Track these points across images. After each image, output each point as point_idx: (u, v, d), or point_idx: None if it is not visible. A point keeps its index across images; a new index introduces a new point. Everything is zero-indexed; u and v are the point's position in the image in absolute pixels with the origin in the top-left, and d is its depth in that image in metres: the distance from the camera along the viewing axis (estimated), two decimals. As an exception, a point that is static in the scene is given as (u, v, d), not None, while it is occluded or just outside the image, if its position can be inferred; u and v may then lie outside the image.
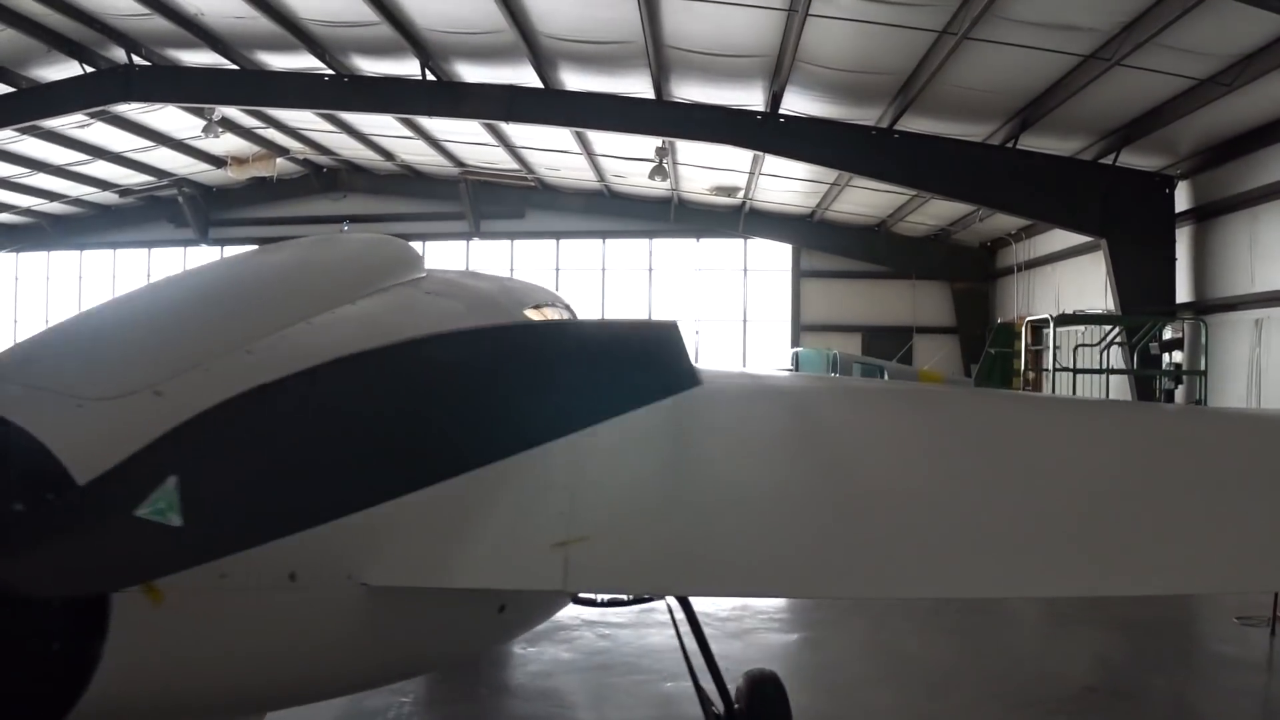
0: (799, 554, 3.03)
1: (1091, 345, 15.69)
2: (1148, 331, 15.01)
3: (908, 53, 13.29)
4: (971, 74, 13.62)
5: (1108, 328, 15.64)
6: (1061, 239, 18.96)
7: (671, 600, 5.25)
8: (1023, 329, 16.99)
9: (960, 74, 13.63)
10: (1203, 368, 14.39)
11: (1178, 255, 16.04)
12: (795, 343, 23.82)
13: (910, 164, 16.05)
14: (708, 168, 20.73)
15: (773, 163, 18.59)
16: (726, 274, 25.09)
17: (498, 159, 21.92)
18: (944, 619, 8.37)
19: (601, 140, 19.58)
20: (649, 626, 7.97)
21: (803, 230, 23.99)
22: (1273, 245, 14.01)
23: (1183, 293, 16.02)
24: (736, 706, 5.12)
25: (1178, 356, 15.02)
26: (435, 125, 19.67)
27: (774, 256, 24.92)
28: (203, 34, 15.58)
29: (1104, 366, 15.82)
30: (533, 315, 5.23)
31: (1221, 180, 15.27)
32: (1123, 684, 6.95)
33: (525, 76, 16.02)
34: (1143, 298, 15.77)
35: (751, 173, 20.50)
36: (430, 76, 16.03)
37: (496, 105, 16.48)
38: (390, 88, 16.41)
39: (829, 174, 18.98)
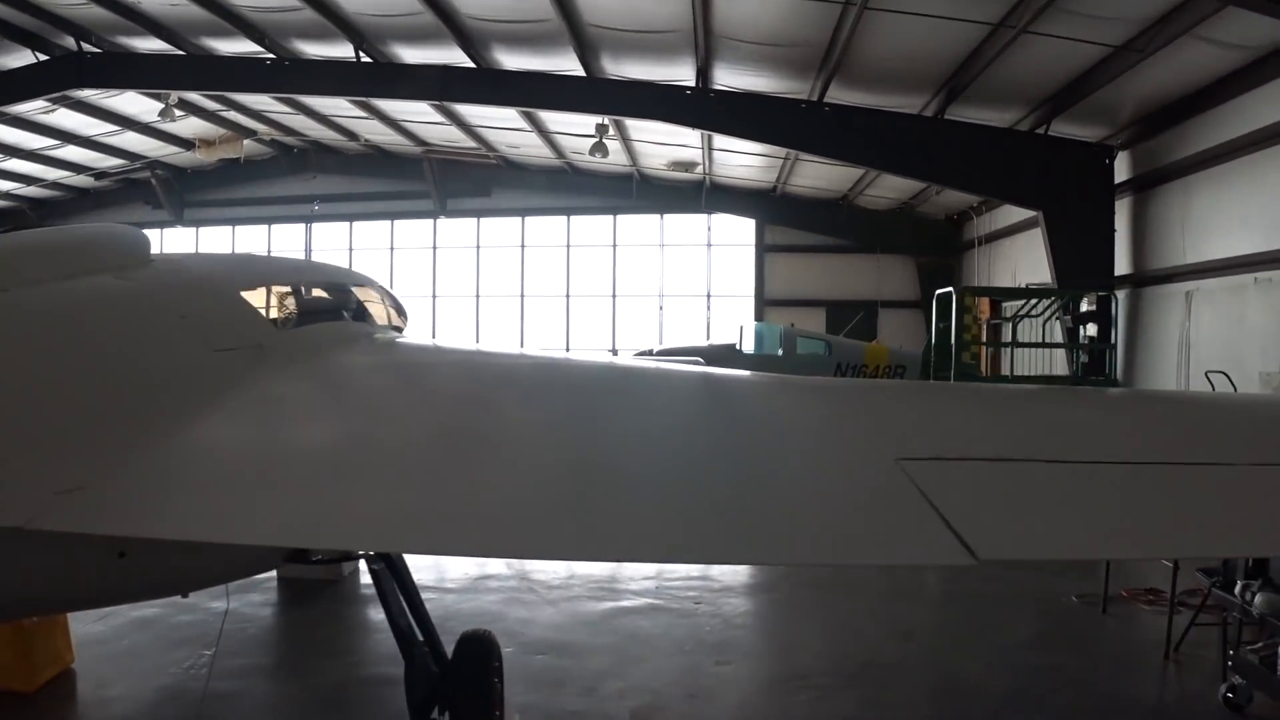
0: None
1: (1032, 318, 15.89)
2: (1054, 306, 15.18)
3: (819, 24, 13.51)
4: (887, 44, 13.89)
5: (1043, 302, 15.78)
6: (1019, 212, 19.08)
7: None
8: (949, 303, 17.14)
9: (876, 45, 13.92)
10: (1114, 341, 14.52)
11: (1118, 227, 16.07)
12: (759, 317, 24.11)
13: (841, 137, 16.30)
14: (663, 144, 21.05)
15: (724, 138, 18.86)
16: (690, 250, 25.39)
17: (458, 138, 22.41)
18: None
19: (553, 118, 20.01)
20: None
21: (765, 205, 24.28)
22: (1203, 216, 14.08)
23: (1122, 265, 16.10)
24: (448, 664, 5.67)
25: (1093, 329, 15.13)
26: (391, 106, 20.25)
27: (738, 231, 25.23)
28: (147, 22, 16.19)
29: (1042, 340, 16.03)
30: (248, 296, 5.70)
31: (1157, 150, 15.34)
32: (896, 657, 7.32)
33: (459, 58, 16.44)
34: (1080, 270, 15.89)
35: (705, 148, 20.81)
36: (365, 59, 16.52)
37: (431, 85, 16.98)
38: (327, 70, 16.99)
39: (780, 148, 19.20)
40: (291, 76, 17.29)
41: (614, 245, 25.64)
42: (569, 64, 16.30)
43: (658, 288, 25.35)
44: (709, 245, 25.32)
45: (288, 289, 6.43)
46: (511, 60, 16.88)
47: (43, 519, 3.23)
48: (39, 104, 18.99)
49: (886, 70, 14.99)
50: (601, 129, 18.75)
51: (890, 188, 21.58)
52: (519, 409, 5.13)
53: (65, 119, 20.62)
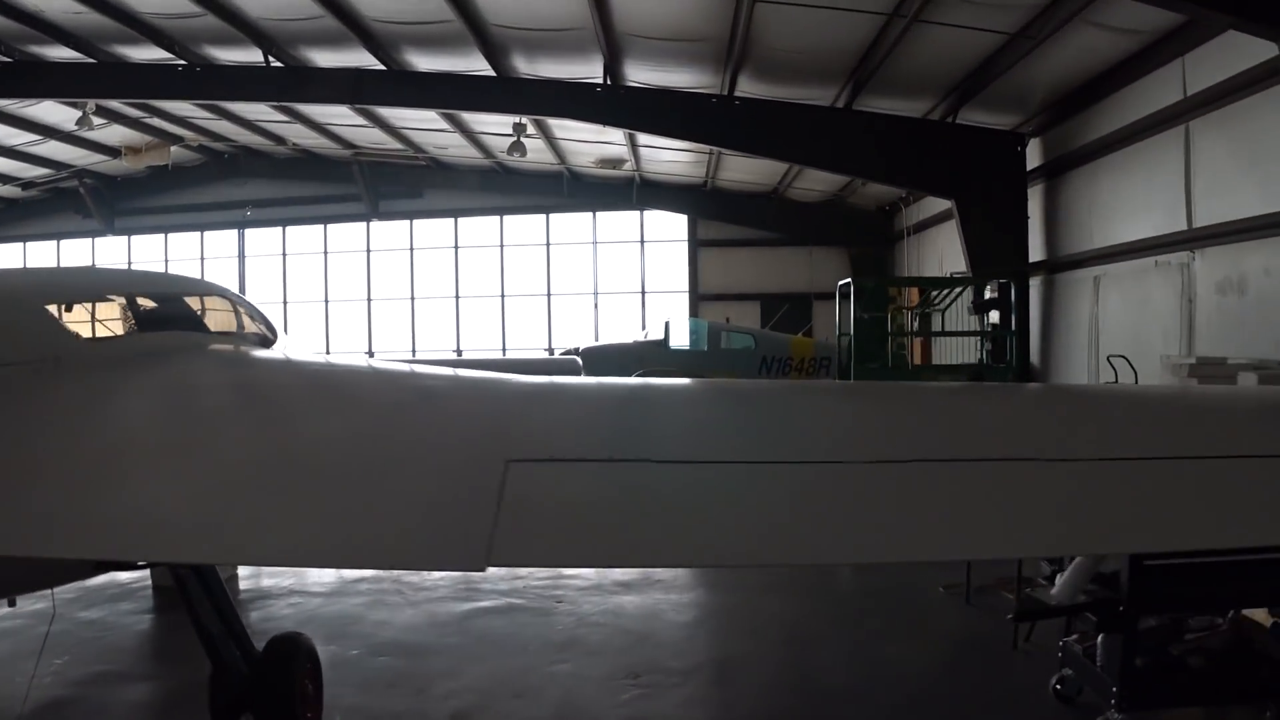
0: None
1: (933, 308, 16.09)
2: (955, 295, 15.40)
3: (717, 16, 13.62)
4: (787, 36, 13.99)
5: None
6: (944, 202, 19.23)
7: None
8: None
9: (777, 36, 14.02)
10: (1013, 328, 14.73)
11: (1031, 214, 16.29)
12: (694, 313, 24.29)
13: (750, 130, 16.45)
14: (588, 141, 21.16)
15: (648, 135, 18.97)
16: (624, 246, 25.54)
17: (384, 140, 22.43)
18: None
19: (475, 119, 20.07)
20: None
21: (697, 200, 24.48)
22: (1108, 201, 14.30)
23: (1037, 252, 16.32)
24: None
25: (995, 317, 15.35)
26: (313, 110, 20.23)
27: (670, 227, 25.41)
28: (54, 30, 16.10)
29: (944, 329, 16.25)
30: (52, 309, 5.82)
31: (1066, 136, 15.59)
32: (740, 653, 7.43)
33: (369, 61, 16.47)
34: (993, 258, 16.10)
35: (630, 145, 20.93)
36: (276, 63, 16.53)
37: (343, 88, 16.96)
38: (238, 75, 17.00)
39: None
40: (204, 82, 17.22)
41: (547, 244, 25.78)
42: (478, 64, 16.36)
43: (592, 285, 25.45)
44: (642, 241, 25.47)
45: (104, 302, 6.50)
46: (423, 62, 16.94)
47: None
48: (-47, 114, 18.90)
49: (791, 62, 15.16)
50: (519, 128, 18.83)
51: (819, 180, 21.77)
52: (306, 417, 5.21)
53: (-17, 129, 20.51)
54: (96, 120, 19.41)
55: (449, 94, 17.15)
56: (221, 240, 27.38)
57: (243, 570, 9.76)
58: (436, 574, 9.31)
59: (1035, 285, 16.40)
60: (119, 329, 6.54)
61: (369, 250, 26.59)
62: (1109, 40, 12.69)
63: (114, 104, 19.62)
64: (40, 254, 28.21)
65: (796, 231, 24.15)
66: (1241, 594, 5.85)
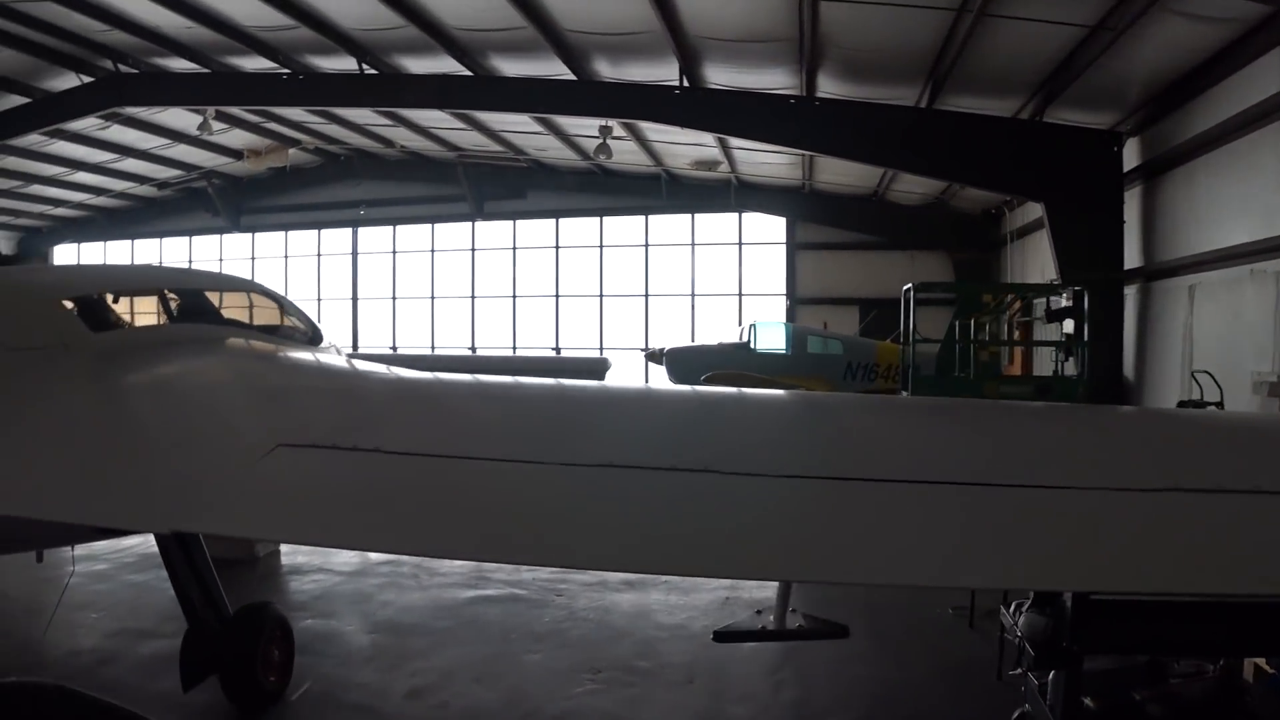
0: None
1: (1000, 316, 15.71)
2: (1024, 302, 14.96)
3: (782, 15, 13.76)
4: (854, 34, 14.01)
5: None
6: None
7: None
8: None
9: (845, 34, 14.08)
10: (1086, 338, 14.23)
11: (1127, 218, 15.71)
12: (790, 316, 24.27)
13: (831, 131, 16.45)
14: (682, 143, 21.50)
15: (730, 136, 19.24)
16: (722, 248, 25.73)
17: (485, 143, 23.39)
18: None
19: (568, 122, 20.75)
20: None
21: (796, 202, 24.46)
22: (1205, 203, 13.60)
23: (1133, 258, 15.74)
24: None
25: (1070, 326, 14.86)
26: (414, 114, 21.35)
27: (769, 230, 25.42)
28: (171, 44, 17.65)
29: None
30: (68, 303, 6.67)
31: (1164, 134, 14.93)
32: (710, 659, 7.45)
33: (455, 67, 17.34)
34: (1086, 264, 15.59)
35: (723, 147, 21.18)
36: (370, 70, 17.62)
37: (432, 94, 17.94)
38: (336, 82, 18.15)
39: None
40: (306, 89, 18.54)
41: (646, 245, 26.22)
42: (559, 69, 16.97)
43: (689, 287, 25.78)
44: (740, 244, 25.61)
45: (114, 296, 7.33)
46: (508, 67, 17.68)
47: None
48: (93, 121, 20.84)
49: (867, 60, 15.11)
50: (604, 130, 19.36)
51: (919, 182, 21.42)
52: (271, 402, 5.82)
53: (121, 134, 22.53)
54: (216, 125, 21.03)
55: (531, 97, 17.86)
56: (337, 238, 29.09)
57: (284, 548, 10.62)
58: (454, 562, 9.86)
59: (1130, 294, 15.78)
60: (154, 320, 7.38)
61: (474, 249, 27.72)
62: (1198, 31, 12.14)
63: (233, 110, 21.24)
64: (175, 249, 30.76)
65: (897, 235, 23.84)
66: (1198, 639, 5.35)
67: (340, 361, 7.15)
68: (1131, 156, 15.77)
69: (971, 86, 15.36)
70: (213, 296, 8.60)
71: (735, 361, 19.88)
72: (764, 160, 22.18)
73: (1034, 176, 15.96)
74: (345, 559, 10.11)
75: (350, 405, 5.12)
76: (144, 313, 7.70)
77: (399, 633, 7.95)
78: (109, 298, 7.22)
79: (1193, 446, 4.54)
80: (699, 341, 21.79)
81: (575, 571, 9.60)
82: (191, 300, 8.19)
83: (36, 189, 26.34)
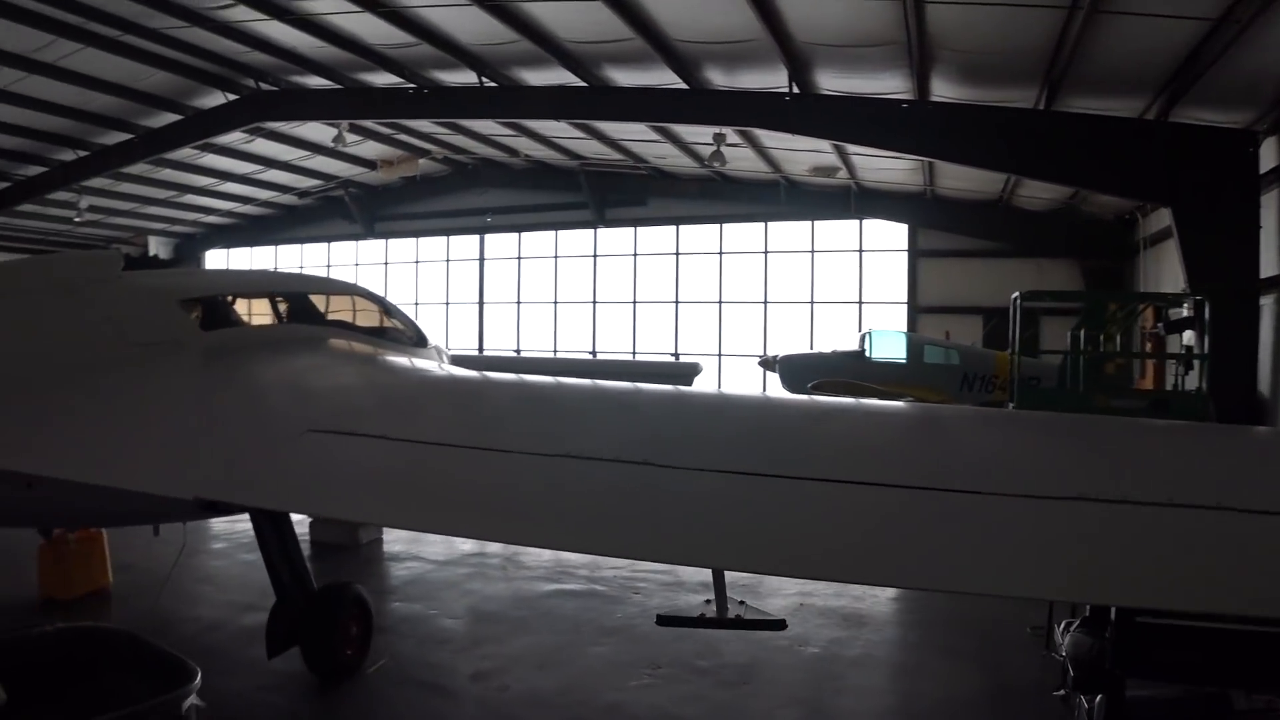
0: None
1: (1108, 328, 15.19)
2: (1138, 312, 14.41)
3: (888, 19, 13.80)
4: (964, 36, 13.90)
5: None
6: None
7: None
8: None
9: (953, 37, 13.99)
10: (1205, 351, 13.63)
11: (1264, 223, 15.00)
12: (911, 324, 23.97)
13: (946, 134, 16.29)
14: (798, 149, 21.58)
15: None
16: (842, 255, 25.57)
17: (606, 151, 24.01)
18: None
19: (685, 130, 21.15)
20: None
21: (918, 208, 24.15)
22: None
23: (1270, 266, 15.03)
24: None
25: (1190, 338, 14.25)
26: (536, 124, 22.19)
27: (890, 236, 25.14)
28: (307, 63, 18.94)
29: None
30: (183, 304, 7.48)
31: (1305, 134, 14.24)
32: (771, 666, 7.62)
33: (570, 78, 17.99)
34: (1217, 272, 14.97)
35: (840, 153, 21.16)
36: (489, 83, 18.47)
37: (549, 105, 18.65)
38: (458, 95, 19.08)
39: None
40: (430, 102, 19.55)
41: (765, 252, 26.30)
42: (670, 78, 17.38)
43: (808, 294, 25.74)
44: (860, 251, 25.40)
45: (226, 298, 8.13)
46: (621, 78, 18.20)
47: None
48: (239, 135, 22.50)
49: (979, 63, 14.94)
50: (718, 138, 19.67)
51: (1045, 186, 20.84)
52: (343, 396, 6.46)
53: (264, 147, 24.24)
54: (350, 137, 22.38)
55: (641, 107, 18.34)
56: (465, 244, 30.27)
57: (388, 534, 11.35)
58: (540, 557, 10.34)
59: (1267, 304, 15.03)
60: (263, 320, 8.17)
61: (595, 255, 28.39)
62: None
63: (365, 123, 22.52)
64: (314, 254, 32.72)
65: (1023, 241, 23.22)
66: (1255, 670, 5.16)
67: (404, 361, 7.72)
68: (1269, 156, 15.02)
69: (1090, 86, 14.95)
70: (318, 300, 9.34)
71: (849, 370, 19.83)
72: (884, 166, 22.00)
73: (1161, 179, 15.36)
74: (438, 549, 10.74)
75: (385, 398, 5.64)
76: (253, 314, 8.49)
77: (477, 619, 8.47)
78: (221, 300, 8.01)
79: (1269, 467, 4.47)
80: (811, 349, 21.79)
81: (655, 570, 9.94)
82: (297, 303, 8.94)
83: (190, 198, 28.57)
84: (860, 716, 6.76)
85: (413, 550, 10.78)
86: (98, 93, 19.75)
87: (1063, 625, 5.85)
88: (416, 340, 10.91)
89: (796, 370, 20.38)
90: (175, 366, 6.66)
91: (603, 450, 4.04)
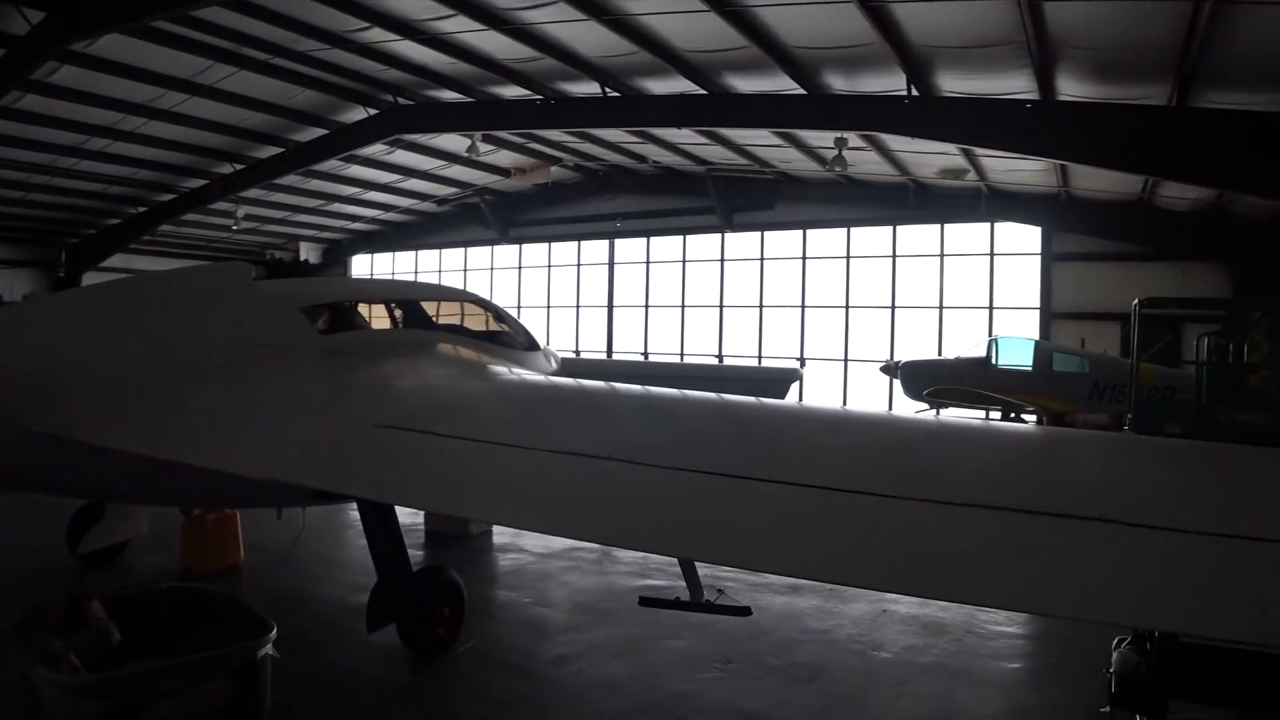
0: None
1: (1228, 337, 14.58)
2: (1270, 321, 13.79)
3: (1004, 18, 13.75)
4: (1088, 33, 13.68)
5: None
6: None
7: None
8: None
9: (1073, 34, 13.79)
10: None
11: None
12: (1044, 331, 23.39)
13: (1071, 136, 16.04)
14: (925, 152, 21.44)
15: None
16: (972, 260, 25.11)
17: (732, 157, 24.39)
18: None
19: (809, 135, 21.36)
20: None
21: (1052, 210, 23.54)
22: None
23: None
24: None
25: None
26: (662, 132, 22.80)
27: (1023, 240, 24.57)
28: (441, 78, 20.08)
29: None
30: (304, 310, 8.33)
31: None
32: (838, 676, 7.91)
33: (690, 86, 18.50)
34: None
35: (967, 154, 20.93)
36: (612, 93, 19.17)
37: (671, 113, 19.21)
38: (580, 106, 19.85)
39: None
40: (557, 112, 20.39)
41: (893, 256, 26.09)
42: (788, 84, 17.65)
43: (938, 299, 25.41)
44: (991, 254, 24.90)
45: (342, 304, 8.98)
46: (742, 84, 18.56)
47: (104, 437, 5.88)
48: (379, 147, 23.97)
49: (1104, 60, 14.63)
50: (839, 142, 19.78)
51: (1189, 185, 20.04)
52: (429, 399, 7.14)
53: (404, 158, 25.71)
54: (484, 147, 23.47)
55: (762, 113, 18.72)
56: (595, 249, 31.16)
57: (496, 528, 12.08)
58: (633, 554, 10.81)
59: None
60: (351, 326, 8.98)
61: (722, 259, 28.77)
62: None
63: (498, 133, 23.62)
64: (452, 259, 34.33)
65: (1166, 244, 22.32)
66: None
67: (483, 365, 8.34)
68: None
69: (1225, 80, 14.42)
70: (430, 306, 10.13)
71: (973, 377, 19.58)
72: (1014, 167, 21.59)
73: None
74: (540, 543, 11.36)
75: (448, 398, 6.24)
76: (368, 319, 9.33)
77: (566, 609, 9.03)
78: (339, 306, 8.86)
79: None
80: (934, 355, 21.56)
81: (744, 571, 10.28)
82: (410, 309, 9.75)
83: (337, 207, 30.49)
84: (910, 720, 6.95)
85: (516, 543, 11.45)
86: (251, 111, 21.44)
87: (1115, 642, 5.88)
88: (526, 344, 11.62)
89: (918, 377, 20.25)
90: (290, 367, 7.47)
91: (631, 453, 4.51)
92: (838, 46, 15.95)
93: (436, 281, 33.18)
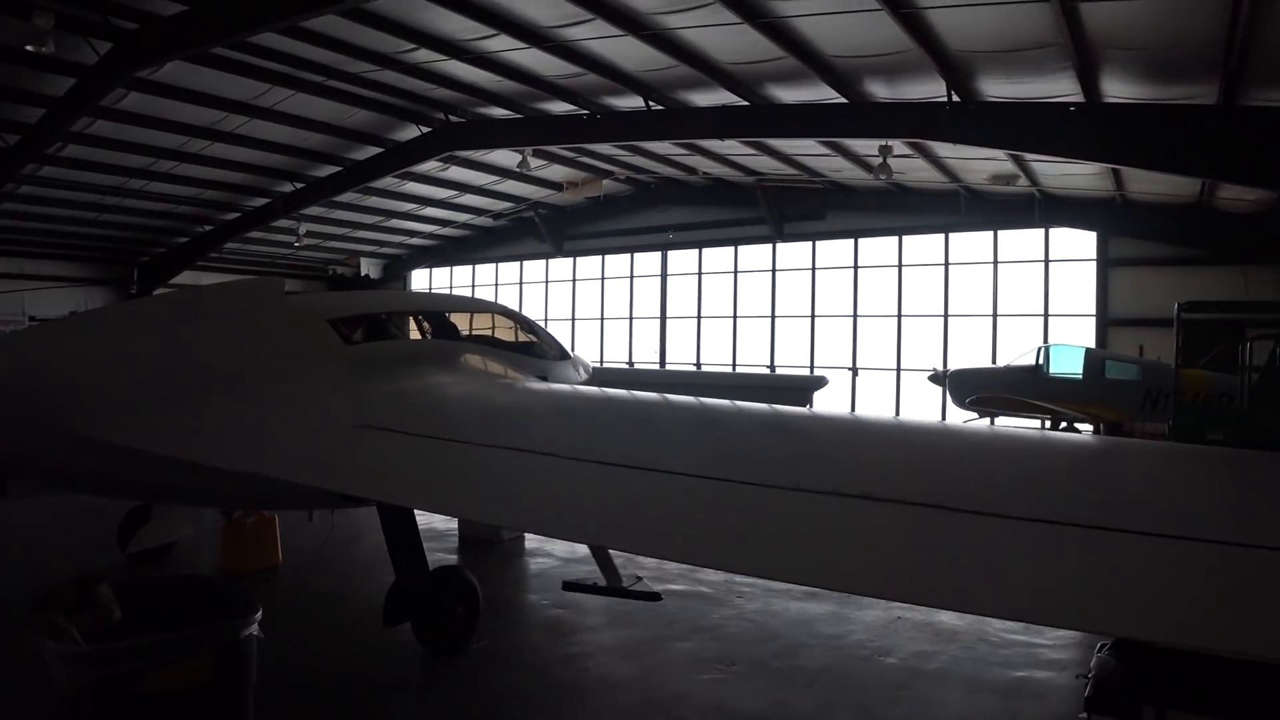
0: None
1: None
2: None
3: (1040, 21, 13.74)
4: (1127, 33, 13.58)
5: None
6: None
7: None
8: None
9: (1115, 35, 13.69)
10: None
11: None
12: (1100, 339, 23.05)
13: (1114, 137, 15.95)
14: (974, 158, 21.37)
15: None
16: (1026, 266, 24.85)
17: (780, 167, 24.55)
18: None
19: (856, 144, 21.46)
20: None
21: (1108, 215, 23.22)
22: None
23: None
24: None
25: None
26: (710, 144, 23.10)
27: (1078, 245, 24.26)
28: (489, 96, 20.66)
29: None
30: (332, 322, 8.80)
31: None
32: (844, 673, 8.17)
33: (730, 98, 18.76)
34: None
35: (1016, 160, 20.82)
36: (656, 106, 19.53)
37: (713, 125, 19.52)
38: (624, 119, 20.25)
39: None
40: (604, 126, 20.80)
41: (945, 263, 25.94)
42: (829, 93, 17.81)
43: (991, 307, 25.19)
44: (1046, 261, 24.60)
45: (369, 317, 9.44)
46: (785, 95, 18.76)
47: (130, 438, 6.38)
48: (434, 164, 24.68)
49: (1147, 60, 14.53)
50: (884, 150, 19.85)
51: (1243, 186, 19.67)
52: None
53: (458, 174, 26.40)
54: (535, 162, 24.01)
55: (804, 122, 18.89)
56: (648, 260, 31.51)
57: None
58: (655, 559, 11.03)
59: None
60: (377, 337, 9.43)
61: (774, 269, 28.88)
62: None
63: (549, 147, 24.15)
64: (508, 272, 35.03)
65: (1227, 247, 21.84)
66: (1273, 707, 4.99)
67: (488, 372, 8.71)
68: None
69: (1274, 77, 14.21)
70: (460, 318, 10.57)
71: (1023, 386, 19.45)
72: (1067, 171, 21.39)
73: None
74: (566, 549, 11.68)
75: (435, 400, 6.60)
76: (396, 331, 9.78)
77: (581, 611, 9.32)
78: (366, 318, 9.33)
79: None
80: (983, 364, 21.42)
81: (763, 579, 10.47)
82: (437, 320, 10.19)
83: (395, 223, 31.38)
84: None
85: (544, 548, 11.81)
86: (309, 131, 22.26)
87: (1098, 646, 5.85)
88: (557, 354, 11.99)
89: (966, 385, 20.17)
90: (313, 375, 7.92)
91: (611, 455, 4.78)
92: (876, 54, 16.06)
93: (493, 295, 33.94)
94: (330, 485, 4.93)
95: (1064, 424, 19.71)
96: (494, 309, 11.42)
